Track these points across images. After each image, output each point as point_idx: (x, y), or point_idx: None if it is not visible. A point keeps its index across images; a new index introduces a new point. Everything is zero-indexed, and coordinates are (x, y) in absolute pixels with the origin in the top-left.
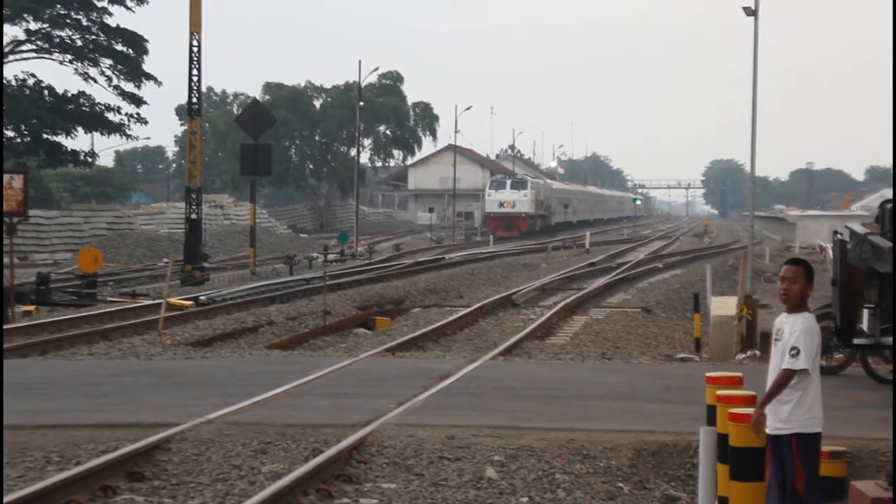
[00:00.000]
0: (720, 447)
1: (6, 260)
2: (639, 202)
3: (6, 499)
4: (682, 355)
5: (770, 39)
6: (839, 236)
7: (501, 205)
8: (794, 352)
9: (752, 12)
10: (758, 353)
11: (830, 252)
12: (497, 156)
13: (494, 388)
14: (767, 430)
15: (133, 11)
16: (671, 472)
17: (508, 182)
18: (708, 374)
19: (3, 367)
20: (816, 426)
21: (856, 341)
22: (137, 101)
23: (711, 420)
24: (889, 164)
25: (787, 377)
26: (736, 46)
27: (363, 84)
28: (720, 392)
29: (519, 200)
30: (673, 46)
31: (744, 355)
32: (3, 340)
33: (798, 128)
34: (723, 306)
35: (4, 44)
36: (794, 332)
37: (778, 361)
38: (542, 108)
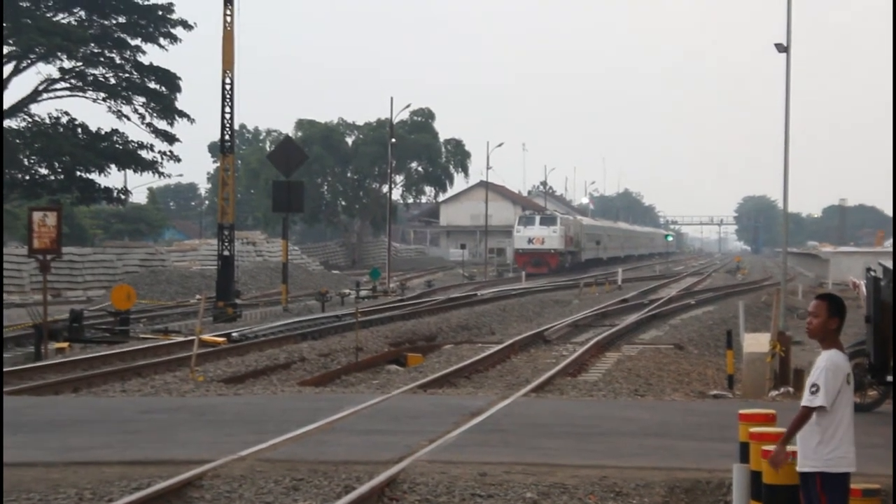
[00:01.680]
0: (754, 484)
1: (39, 297)
2: (670, 238)
3: None
4: (714, 392)
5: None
6: (872, 273)
7: (530, 241)
8: (814, 388)
9: (783, 48)
10: (791, 389)
11: (864, 289)
12: (529, 192)
13: (527, 425)
14: (797, 468)
15: (166, 50)
16: None
17: (537, 218)
18: (741, 412)
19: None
20: (843, 466)
21: (889, 378)
22: (170, 138)
23: (745, 457)
24: None
25: (805, 414)
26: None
27: (395, 121)
28: (753, 429)
29: (548, 237)
30: (705, 82)
31: (777, 392)
32: (32, 379)
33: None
34: (756, 343)
35: (39, 82)
36: (816, 369)
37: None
38: (574, 144)
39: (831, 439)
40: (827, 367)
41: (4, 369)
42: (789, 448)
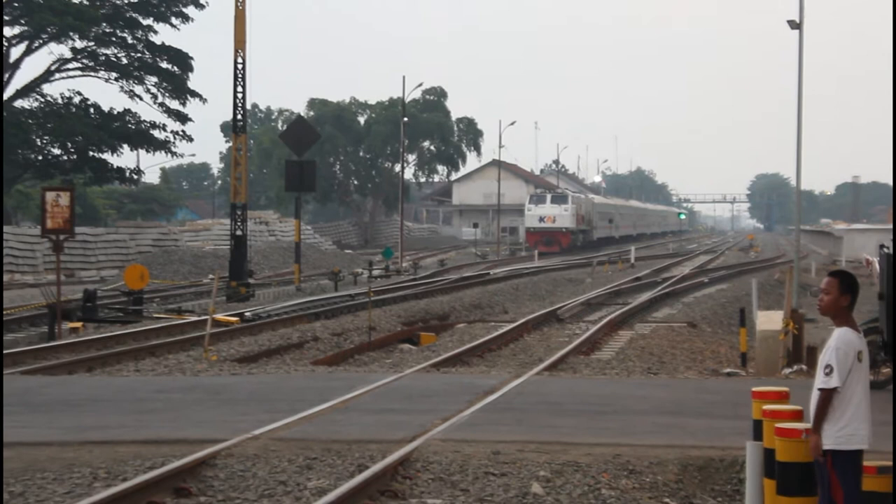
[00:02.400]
0: (767, 462)
1: (53, 277)
2: (683, 216)
3: None
4: (728, 370)
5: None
6: (885, 250)
7: (542, 220)
8: (828, 370)
9: (796, 25)
10: (804, 367)
11: (877, 266)
12: (541, 171)
13: (540, 403)
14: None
15: (178, 29)
16: (718, 488)
17: (549, 196)
18: (754, 389)
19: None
20: (854, 443)
21: None
22: (182, 118)
23: (758, 435)
24: None
25: (825, 397)
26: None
27: (407, 100)
28: (767, 407)
29: (559, 215)
30: (717, 60)
31: (790, 370)
32: (46, 359)
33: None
34: (769, 321)
35: (51, 62)
36: (827, 349)
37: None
38: (586, 122)
39: (841, 417)
40: (838, 346)
41: (19, 349)
42: (801, 426)
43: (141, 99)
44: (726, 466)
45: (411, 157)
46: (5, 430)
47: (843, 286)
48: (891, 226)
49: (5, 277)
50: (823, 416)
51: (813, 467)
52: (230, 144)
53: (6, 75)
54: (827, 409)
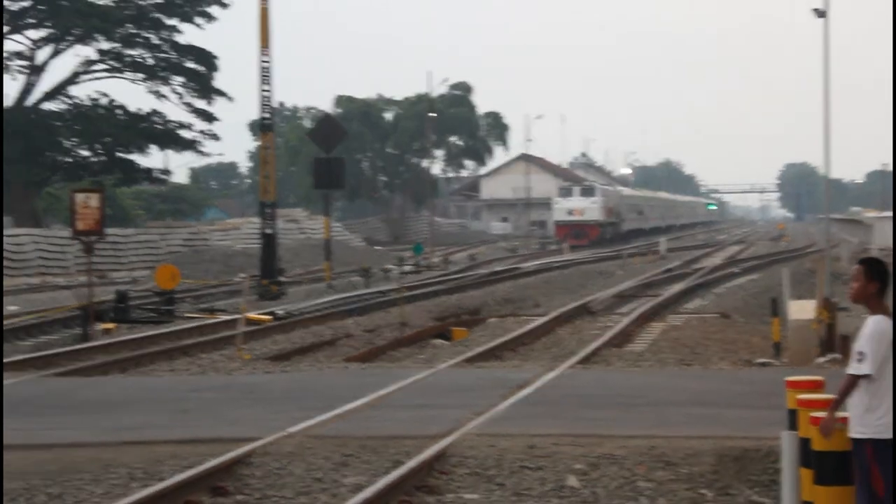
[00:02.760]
0: (803, 452)
1: (84, 278)
2: (712, 207)
3: None
4: (761, 360)
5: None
6: None
7: (570, 213)
8: (860, 356)
9: (821, 14)
10: (838, 356)
11: None
12: (569, 164)
13: (573, 396)
14: (849, 434)
15: (202, 29)
16: (754, 478)
17: (577, 189)
18: (788, 379)
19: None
20: (888, 433)
21: None
22: (209, 117)
23: (793, 424)
24: None
25: (851, 382)
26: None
27: (434, 95)
28: (801, 396)
29: (588, 208)
30: (743, 49)
31: (824, 359)
32: (80, 360)
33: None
34: (801, 310)
35: (78, 64)
36: (861, 336)
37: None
38: (613, 115)
39: (879, 406)
40: (872, 334)
41: (53, 351)
42: (840, 414)
43: (167, 99)
44: (762, 457)
45: (439, 153)
46: (42, 432)
47: (871, 273)
48: None
49: (37, 280)
50: (843, 398)
51: (850, 456)
52: (258, 143)
53: (33, 78)
54: (849, 393)
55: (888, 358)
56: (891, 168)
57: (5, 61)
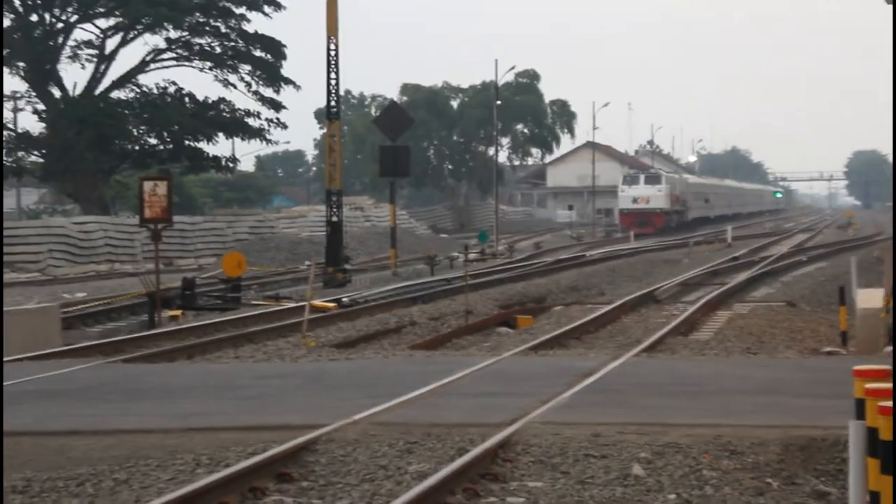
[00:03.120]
0: (870, 441)
1: (152, 265)
2: (779, 195)
3: (160, 500)
4: (828, 349)
5: None
6: None
7: (635, 200)
8: None
9: (893, 0)
10: None
11: None
12: (636, 152)
13: (638, 384)
14: None
15: (270, 17)
16: (820, 468)
17: (642, 177)
18: (856, 368)
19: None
20: None
21: None
22: (276, 105)
23: (860, 414)
24: None
25: None
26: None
27: (500, 83)
28: (869, 385)
29: (653, 196)
30: (814, 36)
31: (891, 348)
32: (147, 347)
33: None
34: (869, 298)
35: (146, 53)
36: None
37: None
38: (680, 102)
39: None
40: None
41: (120, 338)
42: None
43: (235, 87)
44: (829, 446)
45: (505, 141)
46: (108, 418)
47: None
48: None
49: (105, 267)
50: None
51: None
52: (324, 131)
53: (102, 67)
54: None
55: None
56: None
57: (75, 50)
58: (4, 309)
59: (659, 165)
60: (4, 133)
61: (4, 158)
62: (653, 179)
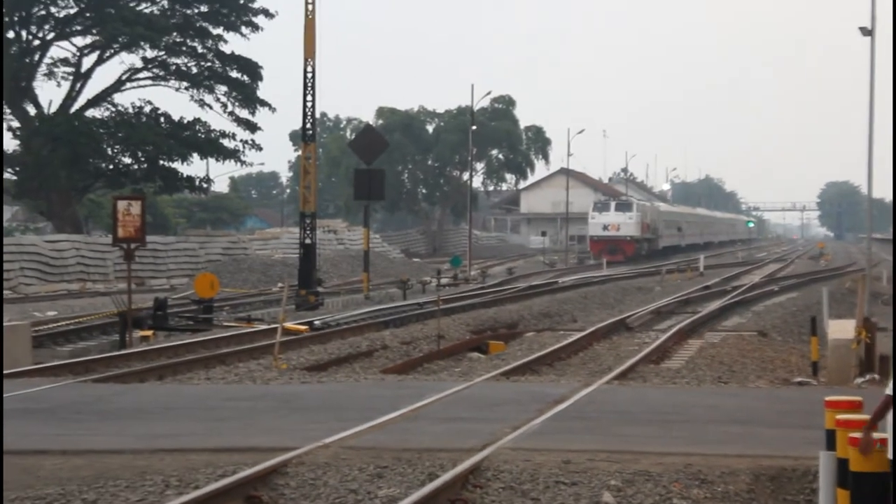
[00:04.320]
0: (840, 472)
1: (124, 285)
2: (751, 225)
3: None
4: (799, 379)
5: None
6: None
7: (605, 227)
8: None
9: (868, 32)
10: (877, 376)
11: None
12: (610, 179)
13: (610, 412)
14: (889, 455)
15: (247, 38)
16: (790, 498)
17: (613, 204)
18: (827, 398)
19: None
20: None
21: None
22: (252, 127)
23: (831, 445)
24: None
25: (885, 402)
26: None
27: (475, 108)
28: (840, 416)
29: (624, 223)
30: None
31: (863, 379)
32: (117, 367)
33: None
34: (841, 329)
35: (122, 72)
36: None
37: None
38: (655, 130)
39: None
40: None
41: (90, 357)
42: (879, 435)
43: (211, 108)
44: (799, 476)
45: (479, 166)
46: (78, 437)
47: None
48: None
49: (77, 286)
50: (879, 419)
51: (887, 477)
52: (299, 153)
53: (78, 85)
54: (882, 414)
55: None
56: None
57: (51, 67)
58: None
59: (633, 193)
60: None
61: None
62: (623, 207)
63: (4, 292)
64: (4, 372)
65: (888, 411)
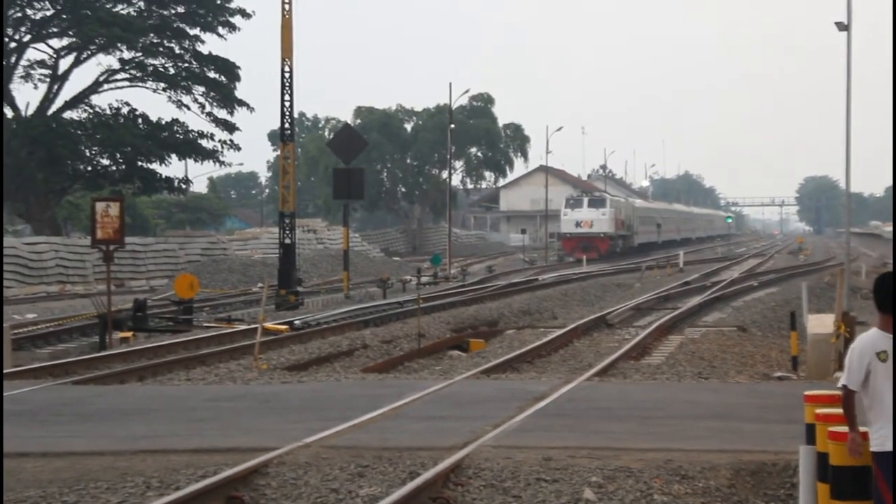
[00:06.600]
0: (820, 466)
1: (103, 287)
2: (730, 220)
3: None
4: (779, 374)
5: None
6: None
7: (578, 224)
8: (845, 369)
9: (844, 27)
10: None
11: None
12: (589, 176)
13: (590, 408)
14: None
15: (225, 39)
16: (771, 492)
17: (585, 200)
18: (807, 393)
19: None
20: (888, 445)
21: None
22: (230, 127)
23: (811, 439)
24: None
25: (843, 395)
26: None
27: (454, 106)
28: (819, 410)
29: (597, 220)
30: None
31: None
32: (98, 368)
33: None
34: (820, 324)
35: (100, 73)
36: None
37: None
38: (633, 127)
39: (876, 419)
40: (853, 348)
41: (70, 359)
42: (864, 429)
43: (189, 109)
44: (779, 471)
45: (458, 164)
46: (58, 440)
47: (874, 288)
48: None
49: (56, 288)
50: (847, 415)
51: (867, 471)
52: (278, 153)
53: (55, 87)
54: (847, 409)
55: (873, 371)
56: None
57: (28, 70)
58: None
59: (612, 190)
60: None
61: None
62: (596, 203)
63: None
64: None
65: (853, 403)
